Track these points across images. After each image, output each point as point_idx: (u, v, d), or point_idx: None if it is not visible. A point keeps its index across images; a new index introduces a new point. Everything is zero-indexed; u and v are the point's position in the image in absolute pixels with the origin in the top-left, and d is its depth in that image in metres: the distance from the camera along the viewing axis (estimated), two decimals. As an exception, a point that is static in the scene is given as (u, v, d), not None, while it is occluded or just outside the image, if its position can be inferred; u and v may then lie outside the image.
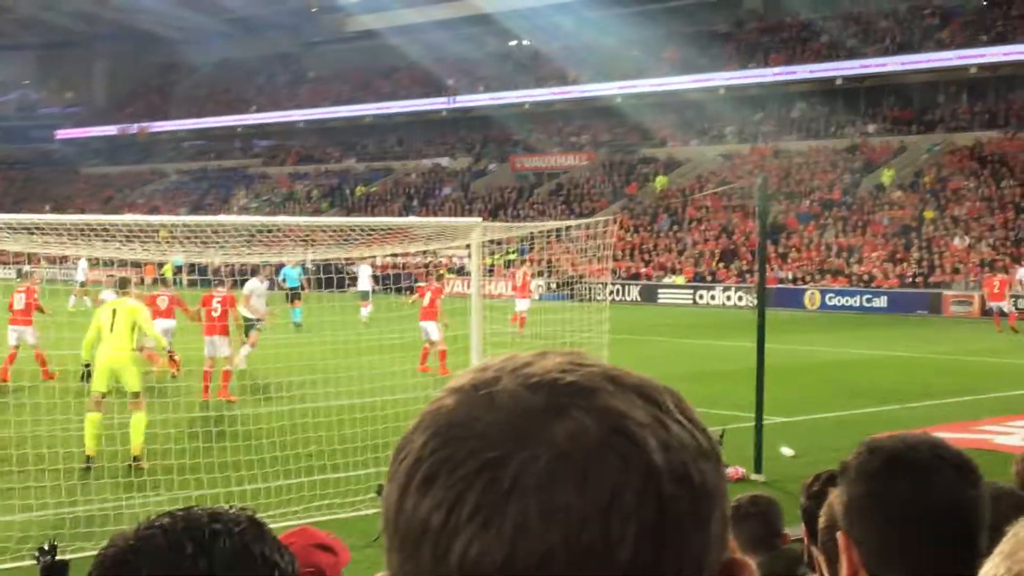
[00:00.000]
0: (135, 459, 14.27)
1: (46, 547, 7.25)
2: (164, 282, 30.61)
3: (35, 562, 7.31)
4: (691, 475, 0.91)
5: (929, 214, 53.20)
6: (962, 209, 52.60)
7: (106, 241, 15.33)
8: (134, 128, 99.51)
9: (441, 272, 30.21)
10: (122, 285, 15.74)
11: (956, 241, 50.17)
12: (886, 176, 58.36)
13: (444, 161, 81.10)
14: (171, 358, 17.28)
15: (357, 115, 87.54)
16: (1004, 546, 1.27)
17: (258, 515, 1.86)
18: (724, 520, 0.95)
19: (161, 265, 35.86)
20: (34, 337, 22.92)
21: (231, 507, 1.89)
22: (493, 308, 21.48)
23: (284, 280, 33.76)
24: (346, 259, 25.69)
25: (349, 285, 34.44)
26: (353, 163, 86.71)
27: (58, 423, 14.36)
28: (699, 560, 0.92)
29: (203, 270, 33.42)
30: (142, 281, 28.74)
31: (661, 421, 0.93)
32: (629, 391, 0.94)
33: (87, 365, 15.46)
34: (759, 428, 14.37)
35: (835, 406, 20.09)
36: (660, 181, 66.43)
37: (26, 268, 23.87)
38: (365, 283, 37.08)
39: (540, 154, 76.93)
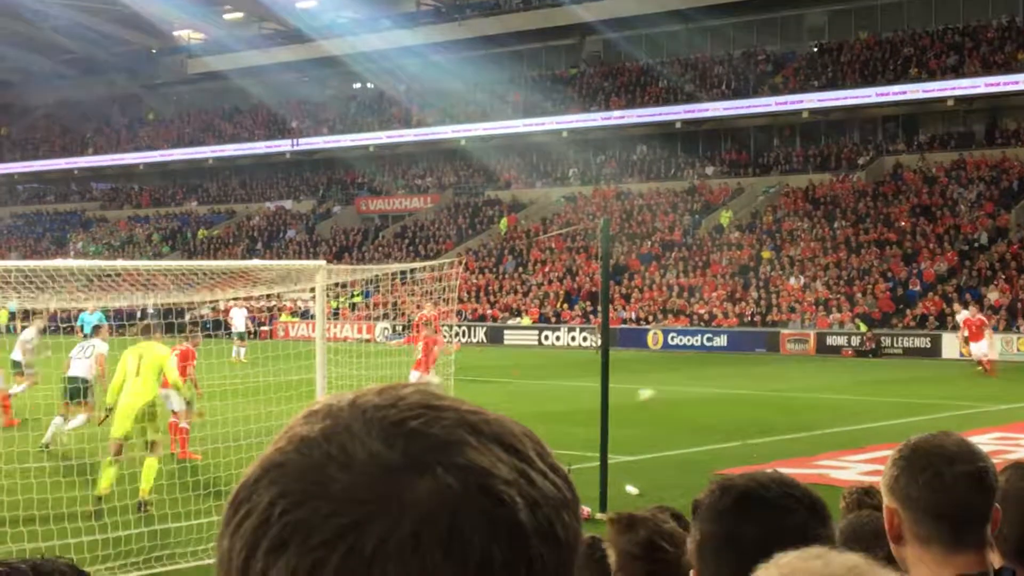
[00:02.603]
0: (145, 503, 14.19)
1: None
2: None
3: None
4: (556, 532, 0.88)
5: (766, 254, 54.55)
6: (797, 249, 54.07)
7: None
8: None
9: (429, 319, 26.08)
10: (145, 332, 15.67)
11: (792, 280, 51.50)
12: (724, 217, 59.73)
13: (288, 204, 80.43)
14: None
15: (199, 157, 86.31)
16: None
17: (75, 562, 1.80)
18: (581, 567, 0.93)
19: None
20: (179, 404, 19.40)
21: (45, 556, 1.82)
22: (338, 351, 21.29)
23: (82, 327, 30.72)
24: (187, 303, 25.16)
25: (191, 329, 33.77)
26: (195, 206, 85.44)
27: None
28: None
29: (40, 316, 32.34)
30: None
31: (526, 475, 0.88)
32: (491, 442, 0.89)
33: (109, 410, 15.07)
34: (604, 467, 14.48)
35: (678, 444, 20.35)
36: (504, 223, 66.88)
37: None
38: (240, 325, 37.79)
39: (385, 196, 76.85)
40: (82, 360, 20.09)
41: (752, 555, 2.29)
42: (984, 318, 37.79)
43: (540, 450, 0.93)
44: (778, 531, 2.29)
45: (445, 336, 27.70)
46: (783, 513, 2.32)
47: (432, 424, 0.89)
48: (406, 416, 0.90)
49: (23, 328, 22.28)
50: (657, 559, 3.45)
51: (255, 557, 0.85)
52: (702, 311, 51.03)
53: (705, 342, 48.58)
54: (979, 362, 35.83)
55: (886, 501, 2.91)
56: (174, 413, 19.12)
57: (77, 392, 19.60)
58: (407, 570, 0.82)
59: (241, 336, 37.20)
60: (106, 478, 14.33)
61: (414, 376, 23.02)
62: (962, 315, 39.61)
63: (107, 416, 15.24)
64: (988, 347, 36.20)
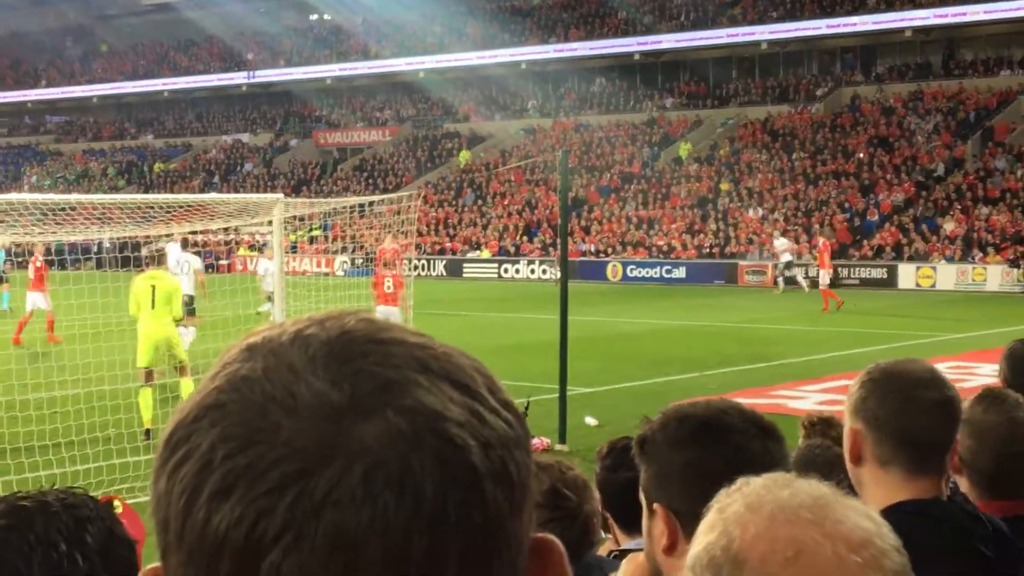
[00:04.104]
0: None
1: None
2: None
3: None
4: (510, 472, 0.86)
5: (725, 186, 54.65)
6: (755, 181, 54.19)
7: None
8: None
9: (394, 254, 26.87)
10: (157, 262, 15.98)
11: (751, 212, 51.66)
12: (683, 149, 59.73)
13: (245, 137, 79.77)
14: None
15: (154, 90, 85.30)
16: (704, 523, 1.29)
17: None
18: (532, 504, 0.90)
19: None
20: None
21: (58, 488, 1.76)
22: (297, 285, 21.23)
23: None
24: (145, 237, 25.05)
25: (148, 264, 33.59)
26: (151, 139, 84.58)
27: None
28: (519, 548, 0.88)
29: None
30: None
31: (478, 414, 0.86)
32: (441, 380, 0.86)
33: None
34: (563, 399, 14.55)
35: (637, 376, 20.46)
36: (463, 156, 66.63)
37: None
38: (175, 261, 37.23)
39: (343, 129, 76.35)
40: (181, 276, 21.15)
41: (719, 482, 2.29)
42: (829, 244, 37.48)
43: (491, 385, 0.90)
44: (743, 456, 2.29)
45: (406, 270, 27.62)
46: (746, 439, 2.32)
47: (380, 362, 0.85)
48: (352, 353, 0.86)
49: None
50: (559, 507, 3.46)
51: (196, 503, 0.82)
52: (661, 243, 51.17)
53: (664, 274, 48.74)
54: (822, 291, 34.59)
55: (849, 422, 2.94)
56: None
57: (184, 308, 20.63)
58: (358, 517, 0.80)
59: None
60: (146, 409, 14.76)
61: (383, 311, 23.03)
62: (780, 243, 41.15)
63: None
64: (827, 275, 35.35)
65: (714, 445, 2.32)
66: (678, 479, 2.32)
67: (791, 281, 40.89)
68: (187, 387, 15.21)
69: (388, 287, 23.19)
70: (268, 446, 0.81)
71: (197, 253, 23.42)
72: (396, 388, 0.84)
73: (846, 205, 50.13)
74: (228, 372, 0.87)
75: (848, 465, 2.97)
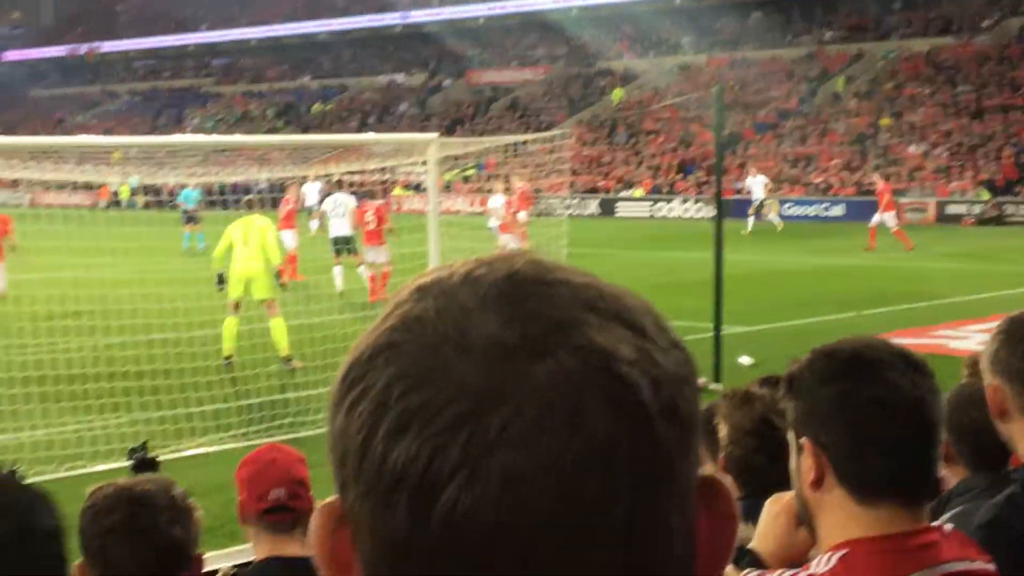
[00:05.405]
0: (287, 359, 15.27)
1: (138, 446, 7.98)
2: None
3: (128, 460, 7.89)
4: (679, 409, 0.86)
5: (885, 121, 53.32)
6: (917, 116, 52.74)
7: (57, 164, 15.24)
8: (83, 49, 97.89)
9: (527, 193, 27.01)
10: (249, 206, 16.78)
11: (912, 148, 50.33)
12: (841, 84, 58.37)
13: (399, 78, 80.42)
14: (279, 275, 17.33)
15: (311, 32, 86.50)
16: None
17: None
18: (699, 442, 0.90)
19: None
20: (385, 256, 22.30)
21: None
22: (451, 224, 21.42)
23: (184, 202, 32.37)
24: (301, 178, 25.58)
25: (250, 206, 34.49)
26: (308, 81, 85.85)
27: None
28: (688, 486, 0.88)
29: (158, 191, 33.03)
30: (95, 204, 28.57)
31: (647, 353, 0.86)
32: (610, 320, 0.86)
33: (220, 274, 16.19)
34: (718, 338, 14.46)
35: (792, 315, 20.21)
36: (616, 94, 66.17)
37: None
38: (313, 199, 38.15)
39: (496, 69, 76.41)
40: (338, 219, 22.56)
41: (869, 414, 2.26)
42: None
43: (660, 324, 0.90)
44: (893, 389, 2.25)
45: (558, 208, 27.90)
46: (895, 372, 2.28)
47: (549, 302, 0.86)
48: (522, 293, 0.86)
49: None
50: (768, 436, 3.48)
51: (373, 440, 0.84)
52: (819, 180, 50.20)
53: (822, 212, 47.83)
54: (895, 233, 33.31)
55: (988, 379, 2.83)
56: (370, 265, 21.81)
57: (342, 250, 22.48)
58: (530, 456, 0.80)
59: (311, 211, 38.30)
60: (228, 339, 15.37)
61: (504, 239, 24.38)
62: (757, 179, 40.79)
63: (221, 284, 15.90)
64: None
65: (861, 378, 2.30)
66: (826, 413, 2.31)
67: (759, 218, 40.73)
68: (276, 324, 15.50)
69: (509, 218, 24.16)
70: (441, 385, 0.83)
71: (353, 193, 23.73)
72: (567, 328, 0.84)
73: (1014, 140, 48.48)
74: (400, 312, 0.88)
75: (996, 423, 2.86)
